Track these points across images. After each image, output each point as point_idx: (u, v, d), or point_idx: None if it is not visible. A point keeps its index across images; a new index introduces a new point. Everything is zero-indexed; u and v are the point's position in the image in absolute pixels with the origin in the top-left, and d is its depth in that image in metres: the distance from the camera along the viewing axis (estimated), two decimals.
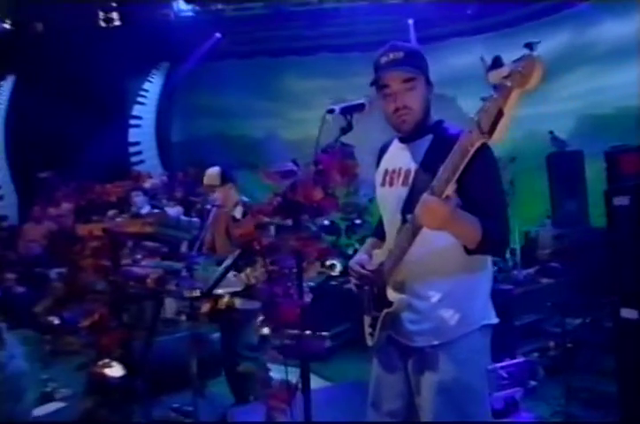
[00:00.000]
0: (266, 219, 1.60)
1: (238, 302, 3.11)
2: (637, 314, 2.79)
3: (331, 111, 1.70)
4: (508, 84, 1.32)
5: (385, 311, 1.74)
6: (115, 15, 8.19)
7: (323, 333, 4.56)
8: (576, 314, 3.17)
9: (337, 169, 1.60)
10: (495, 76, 1.40)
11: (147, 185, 6.76)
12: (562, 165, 5.07)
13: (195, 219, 2.96)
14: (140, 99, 9.56)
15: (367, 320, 1.89)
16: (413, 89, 1.85)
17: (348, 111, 1.69)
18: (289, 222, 1.59)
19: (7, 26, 8.27)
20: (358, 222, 6.10)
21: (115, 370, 3.01)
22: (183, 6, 8.75)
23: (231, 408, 2.82)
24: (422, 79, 1.89)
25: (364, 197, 6.34)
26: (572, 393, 2.83)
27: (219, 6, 9.10)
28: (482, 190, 1.65)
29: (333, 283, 4.90)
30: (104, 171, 8.36)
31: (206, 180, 3.50)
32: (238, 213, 3.40)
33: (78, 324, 5.54)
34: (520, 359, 2.90)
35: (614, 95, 7.86)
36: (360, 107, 1.69)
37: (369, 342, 1.87)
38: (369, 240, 2.11)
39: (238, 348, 3.21)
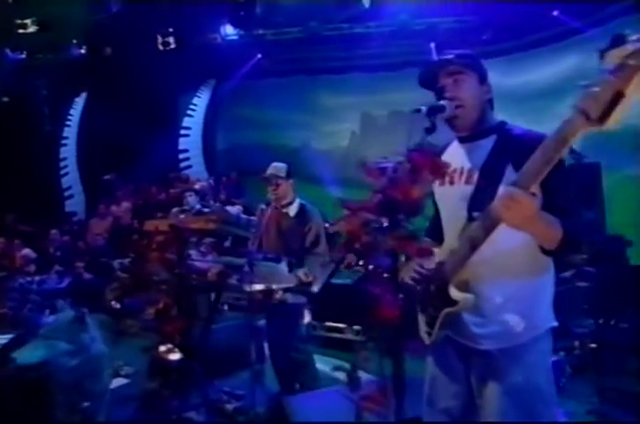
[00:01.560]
0: (370, 216, 1.44)
1: (289, 297, 2.98)
2: None
3: (417, 111, 1.55)
4: (631, 63, 1.09)
5: (447, 310, 1.57)
6: (171, 39, 8.19)
7: (359, 326, 4.41)
8: (605, 315, 2.99)
9: (428, 167, 1.45)
10: (615, 55, 1.15)
11: (197, 186, 6.73)
12: (580, 176, 4.82)
13: (253, 217, 2.82)
14: (189, 112, 9.65)
15: (422, 318, 1.74)
16: (461, 82, 1.70)
17: (433, 112, 1.53)
18: (385, 220, 1.43)
19: (82, 50, 8.43)
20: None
21: (175, 355, 2.92)
22: (229, 31, 8.75)
23: (287, 396, 2.72)
24: (472, 75, 1.74)
25: None
26: (602, 392, 2.66)
27: (260, 31, 9.03)
28: (563, 187, 1.49)
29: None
30: (158, 175, 8.40)
31: (272, 170, 3.31)
32: (292, 211, 3.22)
33: (137, 309, 5.53)
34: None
35: (625, 113, 7.51)
36: (442, 108, 1.55)
37: (426, 340, 1.71)
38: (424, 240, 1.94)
39: (290, 340, 3.09)
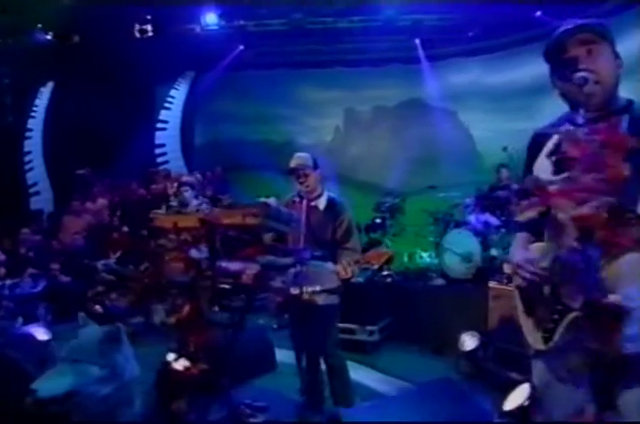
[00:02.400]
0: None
1: (319, 298, 2.67)
2: None
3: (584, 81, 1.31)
4: None
5: (574, 314, 1.35)
6: (149, 27, 7.62)
7: (372, 327, 4.17)
8: None
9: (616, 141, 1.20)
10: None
11: (185, 180, 6.26)
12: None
13: (293, 211, 2.48)
14: (166, 104, 9.09)
15: (528, 321, 1.58)
16: (596, 53, 1.45)
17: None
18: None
19: (48, 36, 7.68)
20: (389, 222, 5.63)
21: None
22: (210, 20, 8.24)
23: (344, 409, 2.43)
24: (606, 46, 1.48)
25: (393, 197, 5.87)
26: None
27: (242, 22, 8.59)
28: None
29: (376, 278, 4.50)
30: (135, 170, 7.83)
31: (297, 161, 3.00)
32: (322, 204, 2.92)
33: (123, 314, 5.01)
34: None
35: None
36: (585, 80, 1.30)
37: (540, 345, 1.49)
38: (522, 235, 1.71)
39: (324, 345, 2.80)
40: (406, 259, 5.31)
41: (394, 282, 4.65)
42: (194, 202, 4.94)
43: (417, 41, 8.67)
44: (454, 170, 8.38)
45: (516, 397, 2.59)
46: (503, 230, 4.72)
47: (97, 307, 5.31)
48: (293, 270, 2.30)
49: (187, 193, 4.98)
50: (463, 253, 4.61)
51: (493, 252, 4.46)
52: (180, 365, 2.55)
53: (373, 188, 8.83)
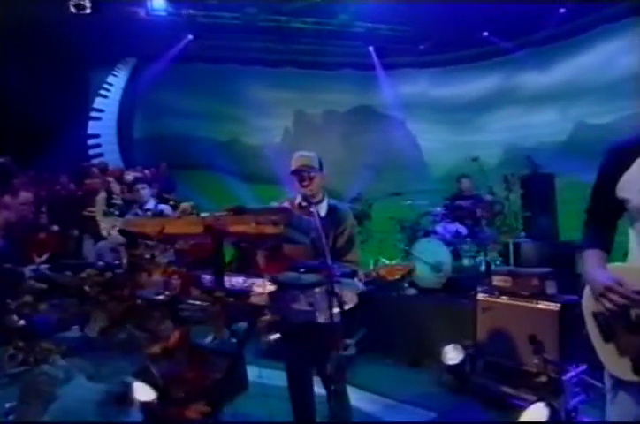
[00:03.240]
0: None
1: (321, 315, 2.32)
2: None
3: None
4: None
5: None
6: (87, 2, 6.75)
7: (348, 340, 3.87)
8: None
9: None
10: None
11: (129, 177, 5.57)
12: (536, 186, 4.89)
13: (311, 218, 2.09)
14: (103, 92, 8.11)
15: (608, 348, 1.47)
16: None
17: None
18: None
19: None
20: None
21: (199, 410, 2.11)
22: (157, 5, 7.52)
23: None
24: None
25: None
26: None
27: (191, 11, 7.97)
28: None
29: None
30: (63, 162, 6.89)
31: (302, 161, 2.59)
32: (322, 210, 2.54)
33: (52, 328, 4.25)
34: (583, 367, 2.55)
35: (536, 132, 8.10)
36: None
37: (629, 375, 1.32)
38: (594, 253, 1.54)
39: (324, 367, 2.45)
40: (371, 266, 5.13)
41: (364, 292, 4.40)
42: (152, 203, 4.32)
43: (371, 48, 8.61)
44: (403, 178, 8.42)
45: (533, 419, 2.43)
46: (469, 239, 4.69)
47: (19, 320, 4.47)
48: (318, 290, 1.92)
49: (145, 191, 4.34)
50: (433, 262, 4.50)
51: (465, 262, 4.41)
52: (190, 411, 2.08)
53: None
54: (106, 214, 6.05)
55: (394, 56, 8.71)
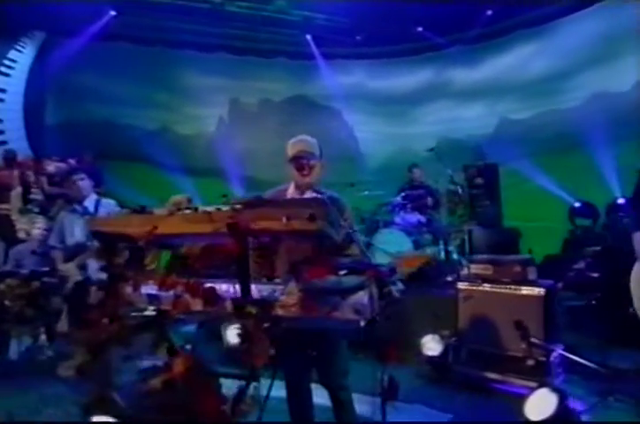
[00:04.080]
0: None
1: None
2: None
3: None
4: None
5: None
6: None
7: None
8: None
9: None
10: None
11: (51, 168, 4.79)
12: (481, 175, 5.05)
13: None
14: (4, 69, 6.92)
15: None
16: None
17: None
18: None
19: None
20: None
21: None
22: None
23: None
24: None
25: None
26: None
27: None
28: None
29: None
30: None
31: (302, 146, 2.32)
32: None
33: None
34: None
35: (466, 125, 8.44)
36: None
37: None
38: None
39: (335, 376, 2.25)
40: None
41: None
42: (93, 197, 3.69)
43: (309, 37, 8.35)
44: (339, 169, 8.31)
45: (543, 405, 2.41)
46: (427, 229, 4.71)
47: None
48: (363, 293, 1.66)
49: (84, 183, 3.69)
50: (395, 252, 4.45)
51: (428, 251, 4.40)
52: None
53: (260, 184, 8.23)
54: (23, 211, 5.18)
55: (330, 47, 8.54)
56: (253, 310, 1.53)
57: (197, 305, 1.63)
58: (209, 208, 1.80)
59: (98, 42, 7.29)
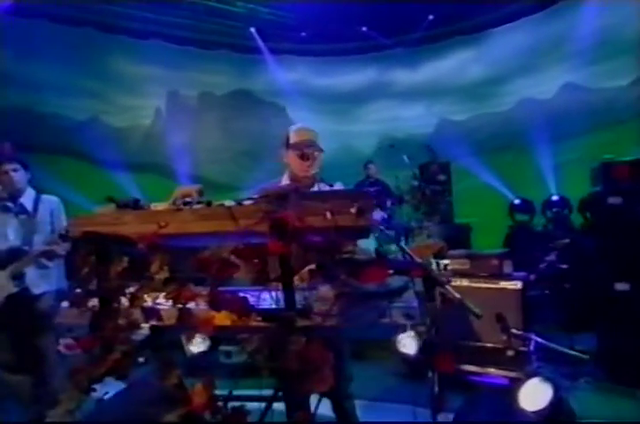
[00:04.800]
0: None
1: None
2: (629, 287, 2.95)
3: None
4: None
5: None
6: None
7: None
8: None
9: None
10: None
11: None
12: (434, 173, 5.17)
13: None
14: None
15: None
16: None
17: None
18: None
19: None
20: None
21: None
22: None
23: None
24: None
25: None
26: None
27: None
28: None
29: None
30: None
31: (306, 134, 2.15)
32: None
33: None
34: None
35: (406, 125, 8.66)
36: None
37: None
38: None
39: (339, 384, 2.10)
40: None
41: None
42: (31, 192, 3.14)
43: (253, 30, 8.04)
44: (282, 167, 8.14)
45: (538, 395, 2.45)
46: (385, 225, 4.69)
47: None
48: (410, 296, 1.50)
49: (18, 175, 3.10)
50: (365, 249, 4.37)
51: (392, 247, 4.36)
52: None
53: (200, 182, 7.80)
54: None
55: (274, 41, 8.31)
56: (306, 322, 1.31)
57: (224, 319, 1.37)
58: (227, 203, 1.55)
59: (13, 18, 6.41)
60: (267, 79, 8.48)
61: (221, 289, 1.42)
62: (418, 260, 1.62)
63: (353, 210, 1.42)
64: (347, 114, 8.83)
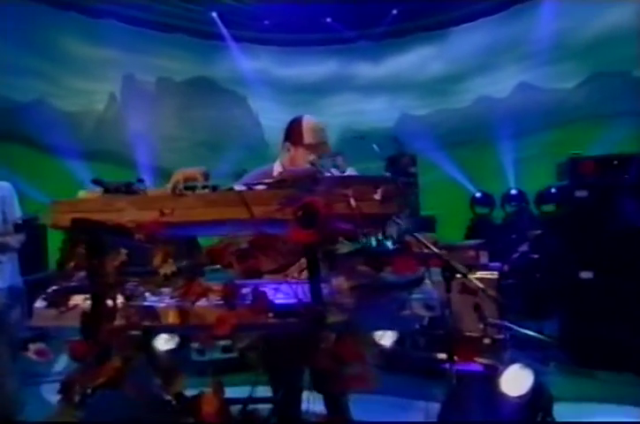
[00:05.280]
0: None
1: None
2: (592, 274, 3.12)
3: None
4: None
5: None
6: None
7: None
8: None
9: None
10: None
11: None
12: (400, 165, 5.20)
13: None
14: None
15: None
16: None
17: None
18: None
19: None
20: None
21: None
22: None
23: None
24: None
25: None
26: None
27: None
28: None
29: None
30: None
31: (321, 136, 2.06)
32: None
33: None
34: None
35: (369, 118, 8.70)
36: None
37: None
38: None
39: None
40: None
41: None
42: None
43: (215, 15, 7.72)
44: (242, 157, 7.96)
45: (520, 381, 2.53)
46: None
47: None
48: (428, 286, 1.45)
49: None
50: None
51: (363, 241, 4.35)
52: None
53: (156, 171, 7.44)
54: None
55: (236, 29, 8.03)
56: (337, 318, 1.21)
57: (245, 317, 1.24)
58: (238, 187, 1.44)
59: None
60: (228, 66, 8.20)
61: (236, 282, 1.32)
62: (436, 250, 1.58)
63: (377, 197, 1.37)
64: (309, 105, 8.71)
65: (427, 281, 1.53)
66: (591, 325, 3.24)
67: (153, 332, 1.57)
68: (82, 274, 1.45)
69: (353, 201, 1.33)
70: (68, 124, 6.89)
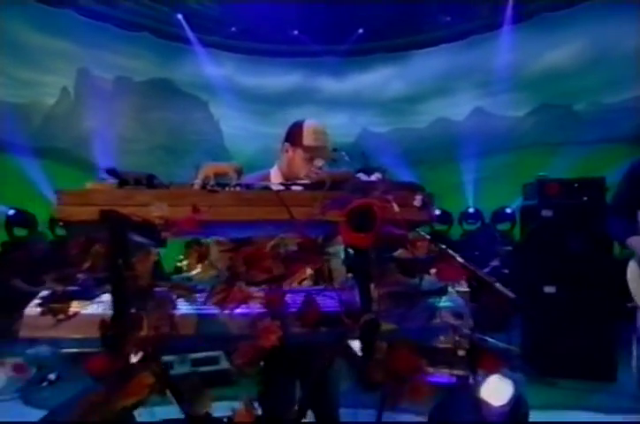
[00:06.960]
0: None
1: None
2: (555, 289, 3.36)
3: None
4: None
5: None
6: None
7: None
8: None
9: None
10: None
11: None
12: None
13: None
14: None
15: None
16: None
17: None
18: None
19: None
20: None
21: None
22: None
23: None
24: None
25: None
26: None
27: None
28: None
29: None
30: None
31: (322, 139, 2.03)
32: None
33: None
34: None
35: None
36: None
37: None
38: None
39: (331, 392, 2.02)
40: None
41: None
42: None
43: (180, 16, 7.55)
44: (201, 163, 7.75)
45: (500, 391, 2.62)
46: None
47: None
48: (454, 294, 1.44)
49: None
50: None
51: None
52: None
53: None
54: None
55: (201, 33, 7.89)
56: (389, 327, 1.18)
57: (292, 326, 1.17)
58: (275, 186, 1.38)
59: None
60: (192, 70, 8.01)
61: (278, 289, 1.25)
62: (461, 259, 1.60)
63: (416, 203, 1.37)
64: (270, 116, 8.70)
65: (451, 290, 1.56)
66: (554, 336, 3.44)
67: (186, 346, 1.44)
68: (83, 276, 1.32)
69: (396, 207, 1.33)
70: (13, 117, 6.37)
